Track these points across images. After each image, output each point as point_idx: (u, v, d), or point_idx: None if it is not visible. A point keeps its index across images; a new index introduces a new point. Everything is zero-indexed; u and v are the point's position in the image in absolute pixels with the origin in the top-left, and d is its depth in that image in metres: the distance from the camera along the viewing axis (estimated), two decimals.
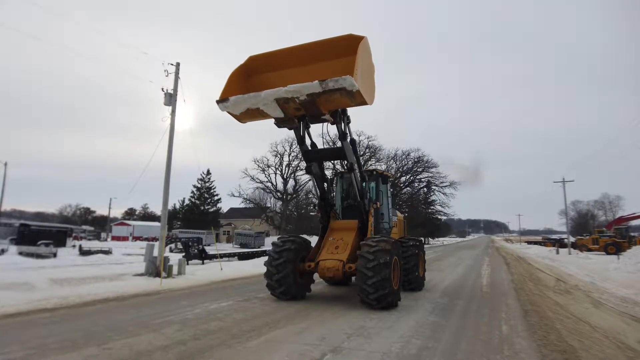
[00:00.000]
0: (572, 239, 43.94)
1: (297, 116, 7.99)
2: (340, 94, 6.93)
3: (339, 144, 8.81)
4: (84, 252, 24.25)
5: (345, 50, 7.57)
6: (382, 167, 51.01)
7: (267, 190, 52.02)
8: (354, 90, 6.76)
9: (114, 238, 60.29)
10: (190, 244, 20.57)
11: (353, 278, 9.17)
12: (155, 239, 40.08)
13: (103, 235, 61.12)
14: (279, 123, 8.19)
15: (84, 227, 62.97)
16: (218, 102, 7.77)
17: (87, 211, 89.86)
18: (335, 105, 7.48)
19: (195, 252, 20.05)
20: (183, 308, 7.77)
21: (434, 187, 60.68)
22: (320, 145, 9.40)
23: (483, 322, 6.89)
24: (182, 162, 62.01)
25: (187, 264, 15.01)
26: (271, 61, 8.43)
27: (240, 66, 8.47)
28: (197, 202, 56.72)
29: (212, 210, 57.50)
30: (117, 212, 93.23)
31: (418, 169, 59.06)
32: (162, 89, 14.84)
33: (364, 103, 7.32)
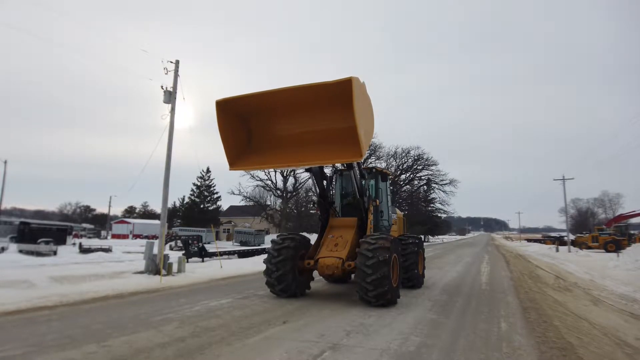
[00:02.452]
0: (571, 237, 43.96)
1: None
2: None
3: None
4: (84, 250, 24.25)
5: (338, 93, 6.86)
6: (382, 165, 50.99)
7: (267, 188, 52.06)
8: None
9: (114, 236, 60.35)
10: (190, 241, 20.56)
11: (352, 275, 9.17)
12: (155, 237, 40.11)
13: (103, 233, 61.06)
14: None
15: (84, 225, 62.91)
16: (231, 169, 7.96)
17: (87, 209, 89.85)
18: None
19: (195, 250, 20.05)
20: (182, 305, 7.78)
21: (433, 185, 60.79)
22: None
23: (482, 320, 6.91)
24: (182, 160, 62.11)
25: (187, 261, 15.02)
26: (253, 103, 7.85)
27: (221, 122, 7.69)
28: (197, 200, 56.68)
29: (212, 208, 57.45)
30: (117, 210, 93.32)
31: (418, 167, 59.11)
32: (162, 86, 14.81)
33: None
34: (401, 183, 58.10)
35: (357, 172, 9.27)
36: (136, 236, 58.97)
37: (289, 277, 8.61)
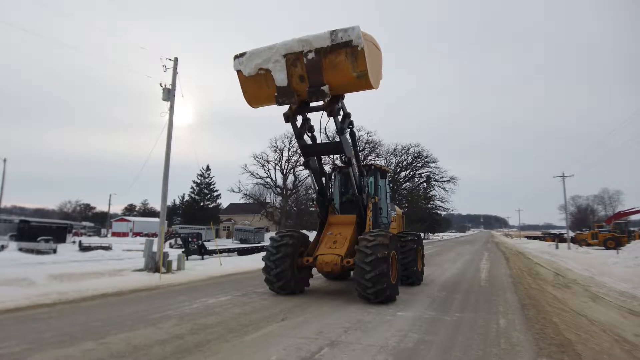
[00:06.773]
0: (571, 234, 43.99)
1: (298, 91, 7.95)
2: (345, 54, 7.22)
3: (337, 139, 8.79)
4: (83, 248, 24.30)
5: None
6: (381, 162, 50.97)
7: (267, 186, 52.06)
8: (359, 49, 7.05)
9: (114, 234, 60.30)
10: (189, 239, 20.58)
11: (351, 272, 9.17)
12: (155, 235, 40.11)
13: (103, 231, 61.07)
14: (280, 97, 8.06)
15: (84, 223, 62.87)
16: (236, 56, 8.21)
17: (87, 207, 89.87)
18: (339, 73, 7.47)
19: (195, 248, 20.08)
20: (181, 303, 7.79)
21: (433, 182, 60.75)
22: (320, 141, 9.40)
23: (480, 316, 6.91)
24: (182, 157, 62.06)
25: (187, 259, 15.03)
26: None
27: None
28: (197, 197, 56.74)
29: (211, 205, 57.52)
30: (117, 208, 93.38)
31: (418, 164, 59.09)
32: (161, 84, 14.77)
33: (366, 79, 7.38)
34: (401, 180, 58.08)
35: (356, 168, 9.26)
36: (136, 234, 58.93)
37: (287, 274, 8.61)
